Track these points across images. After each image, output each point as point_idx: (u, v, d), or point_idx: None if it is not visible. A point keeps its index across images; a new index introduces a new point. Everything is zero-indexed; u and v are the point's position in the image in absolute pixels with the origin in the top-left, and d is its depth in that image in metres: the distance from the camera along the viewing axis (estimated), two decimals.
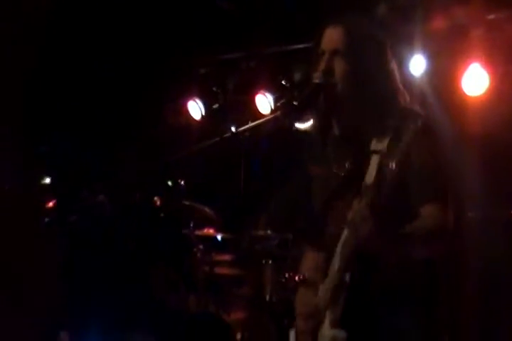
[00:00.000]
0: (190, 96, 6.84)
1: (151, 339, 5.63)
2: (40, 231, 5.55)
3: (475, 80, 5.10)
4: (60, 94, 6.66)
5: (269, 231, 5.64)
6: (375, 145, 2.40)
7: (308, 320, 2.59)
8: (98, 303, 5.81)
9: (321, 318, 2.52)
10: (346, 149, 2.57)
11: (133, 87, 6.82)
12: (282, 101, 6.12)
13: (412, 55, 5.32)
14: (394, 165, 2.32)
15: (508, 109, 5.01)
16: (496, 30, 5.04)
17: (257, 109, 6.29)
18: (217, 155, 6.38)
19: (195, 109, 6.84)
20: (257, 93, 6.32)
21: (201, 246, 5.79)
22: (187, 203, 5.87)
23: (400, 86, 2.59)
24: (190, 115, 6.87)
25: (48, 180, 7.30)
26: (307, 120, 2.70)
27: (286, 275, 3.02)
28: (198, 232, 5.86)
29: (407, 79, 5.27)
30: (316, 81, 2.52)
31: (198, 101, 6.81)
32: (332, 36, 2.55)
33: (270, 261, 5.44)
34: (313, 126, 2.70)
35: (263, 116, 6.02)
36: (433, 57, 5.29)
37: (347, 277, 2.39)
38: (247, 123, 2.61)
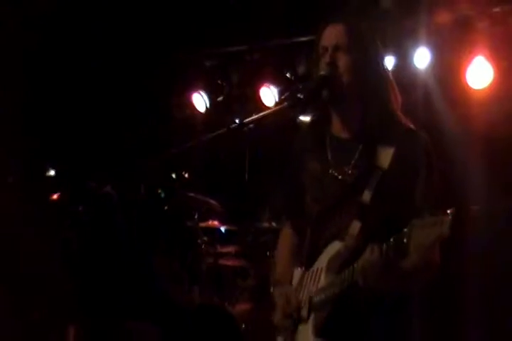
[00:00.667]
0: (194, 88, 6.86)
1: (155, 331, 5.65)
2: (45, 223, 5.57)
3: (479, 73, 5.10)
4: (67, 86, 6.68)
5: (273, 223, 5.67)
6: (378, 158, 2.46)
7: (288, 317, 2.60)
8: (103, 295, 5.84)
9: (301, 318, 2.54)
10: (346, 152, 2.56)
11: (138, 79, 6.83)
12: (287, 93, 6.13)
13: (416, 47, 5.32)
14: (393, 186, 2.41)
15: None
16: (501, 24, 5.03)
17: (262, 102, 6.30)
18: (221, 148, 6.42)
19: (200, 101, 6.85)
20: (261, 86, 6.33)
21: (205, 238, 5.81)
22: (191, 195, 5.88)
23: (395, 85, 2.62)
24: (194, 107, 6.89)
25: (52, 172, 7.33)
26: (312, 113, 2.71)
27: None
28: (202, 224, 5.88)
29: (409, 73, 5.32)
30: (322, 73, 2.54)
31: (203, 93, 6.83)
32: (333, 33, 2.57)
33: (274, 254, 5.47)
34: (312, 121, 2.71)
35: (267, 108, 6.02)
36: (437, 50, 5.29)
37: (337, 291, 2.41)
38: (252, 116, 2.61)
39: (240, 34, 6.29)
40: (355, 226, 2.46)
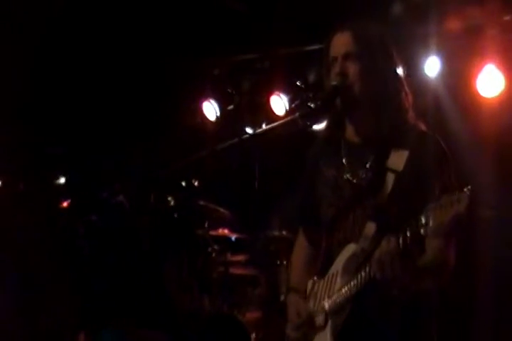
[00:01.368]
0: (205, 97, 6.86)
1: (165, 339, 5.65)
2: (55, 230, 5.59)
3: (490, 81, 5.09)
4: (77, 95, 6.71)
5: (283, 232, 5.66)
6: (392, 161, 2.47)
7: (299, 328, 2.61)
8: (113, 303, 5.85)
9: (314, 326, 2.55)
10: (361, 156, 2.58)
11: (148, 88, 6.84)
12: (297, 102, 6.12)
13: (427, 56, 5.32)
14: (409, 188, 2.41)
15: None
16: (511, 32, 5.03)
17: (272, 110, 6.30)
18: (232, 156, 6.42)
19: (210, 110, 6.86)
20: (271, 94, 6.33)
21: (216, 247, 5.81)
22: (202, 203, 5.89)
23: (406, 88, 2.63)
24: (205, 116, 6.89)
25: (62, 180, 7.35)
26: (324, 122, 2.72)
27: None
28: (212, 232, 5.88)
29: (420, 81, 5.31)
30: (334, 83, 2.55)
31: (213, 102, 6.83)
32: (341, 41, 2.59)
33: (285, 262, 5.46)
34: (326, 128, 2.72)
35: (278, 117, 6.03)
36: (448, 58, 5.28)
37: (354, 291, 2.42)
38: (262, 124, 2.62)
39: (250, 42, 6.30)
40: (370, 227, 2.47)
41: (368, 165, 2.55)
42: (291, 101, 6.20)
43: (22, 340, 5.45)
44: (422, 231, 2.14)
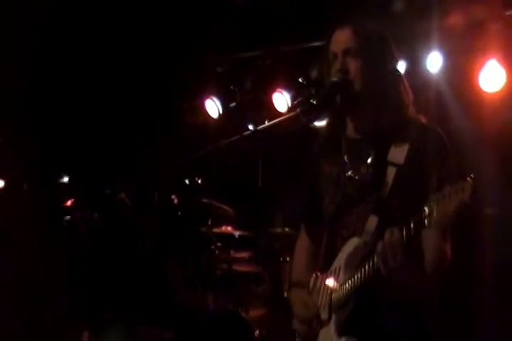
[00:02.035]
0: (207, 94, 6.86)
1: (169, 337, 5.66)
2: (59, 230, 5.60)
3: (492, 76, 5.08)
4: (80, 94, 6.71)
5: (286, 229, 5.66)
6: (392, 155, 2.48)
7: (305, 321, 2.62)
8: (116, 300, 5.86)
9: (320, 320, 2.55)
10: (362, 152, 2.59)
11: (151, 86, 6.85)
12: (299, 99, 6.11)
13: (429, 51, 5.31)
14: (410, 181, 2.42)
15: None
16: None
17: (274, 107, 6.30)
18: (235, 153, 6.41)
19: (213, 107, 6.86)
20: (274, 91, 6.33)
21: (219, 244, 5.81)
22: (205, 201, 5.89)
23: (406, 83, 2.64)
24: (207, 113, 6.90)
25: (66, 179, 7.36)
26: (325, 118, 2.73)
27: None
28: (216, 230, 5.88)
29: (422, 76, 5.30)
30: (334, 79, 2.56)
31: (216, 99, 6.83)
32: (341, 38, 2.60)
33: (288, 258, 5.46)
34: (327, 125, 2.73)
35: (280, 113, 6.03)
36: (450, 54, 5.28)
37: (358, 285, 2.42)
38: (265, 121, 2.63)
39: (252, 40, 6.30)
40: (373, 221, 2.48)
41: (369, 161, 2.56)
42: (293, 98, 6.20)
43: (26, 340, 5.46)
44: (425, 221, 2.14)
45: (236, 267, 5.78)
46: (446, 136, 2.55)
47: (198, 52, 6.62)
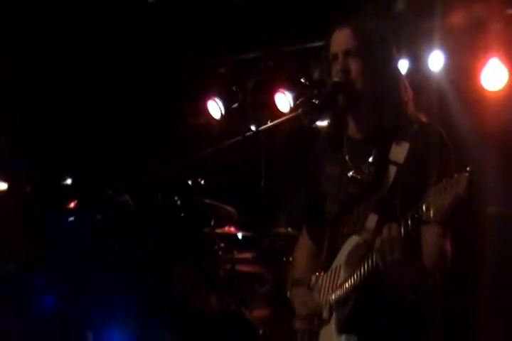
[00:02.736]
0: (209, 95, 6.87)
1: (173, 337, 5.66)
2: (61, 231, 5.61)
3: (494, 75, 5.08)
4: (83, 95, 6.73)
5: (289, 229, 5.66)
6: (393, 154, 2.49)
7: (307, 319, 2.63)
8: (121, 302, 5.86)
9: (321, 318, 2.56)
10: (363, 152, 2.61)
11: (153, 87, 6.86)
12: (302, 99, 6.12)
13: (431, 50, 5.31)
14: (410, 179, 2.43)
15: None
16: None
17: (277, 108, 6.31)
18: (237, 154, 6.42)
19: (215, 108, 6.86)
20: (276, 91, 6.33)
21: (222, 245, 5.81)
22: (208, 202, 5.89)
23: (406, 82, 2.65)
24: (210, 114, 6.90)
25: (69, 181, 7.37)
26: (327, 118, 2.74)
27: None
28: (219, 230, 5.88)
29: (424, 75, 5.30)
30: (336, 79, 2.56)
31: (218, 100, 6.84)
32: (341, 38, 2.61)
33: (291, 259, 5.45)
34: (329, 125, 2.74)
35: (283, 114, 6.03)
36: (452, 53, 5.28)
37: (358, 283, 2.42)
38: (267, 122, 2.64)
39: (254, 40, 6.31)
40: (372, 219, 2.50)
41: (370, 160, 2.56)
42: (295, 99, 6.20)
43: (30, 340, 5.47)
44: (423, 216, 2.14)
45: (239, 267, 5.78)
46: (448, 134, 2.55)
47: (200, 53, 6.63)
